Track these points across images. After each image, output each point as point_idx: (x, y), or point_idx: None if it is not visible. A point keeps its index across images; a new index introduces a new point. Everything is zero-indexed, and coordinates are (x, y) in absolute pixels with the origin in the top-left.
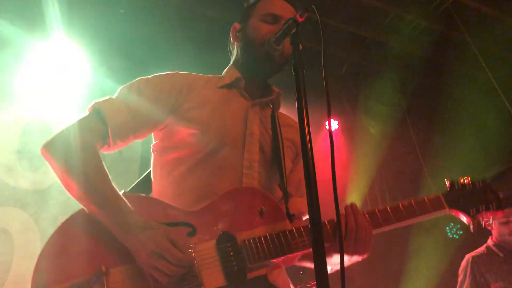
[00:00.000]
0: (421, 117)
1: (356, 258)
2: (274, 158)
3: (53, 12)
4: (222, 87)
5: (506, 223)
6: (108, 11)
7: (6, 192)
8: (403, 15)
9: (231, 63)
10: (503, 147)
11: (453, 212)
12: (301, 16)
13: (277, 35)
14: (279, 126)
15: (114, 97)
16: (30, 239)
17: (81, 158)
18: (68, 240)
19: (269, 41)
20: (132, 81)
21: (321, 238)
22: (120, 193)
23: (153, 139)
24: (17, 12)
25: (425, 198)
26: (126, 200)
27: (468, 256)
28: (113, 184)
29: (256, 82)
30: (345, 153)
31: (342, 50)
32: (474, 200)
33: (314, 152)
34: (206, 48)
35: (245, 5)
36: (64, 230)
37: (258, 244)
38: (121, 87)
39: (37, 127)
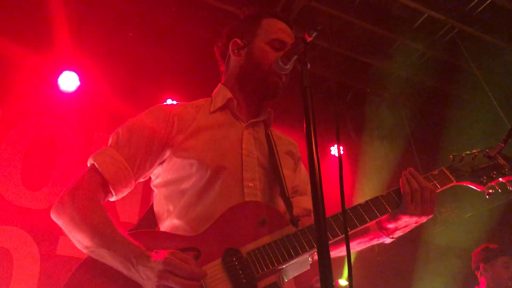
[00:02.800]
0: (426, 145)
1: (424, 219)
2: (273, 172)
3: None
4: (214, 111)
5: (506, 268)
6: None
7: (8, 211)
8: (408, 44)
9: (222, 82)
10: None
11: (463, 184)
12: (309, 35)
13: (285, 53)
14: (274, 141)
15: (108, 145)
16: (30, 259)
17: (84, 210)
18: (83, 282)
19: (277, 60)
20: (122, 125)
21: (328, 257)
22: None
23: (151, 177)
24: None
25: (429, 174)
26: (130, 238)
27: None
28: (116, 225)
29: (251, 101)
30: (350, 179)
31: (348, 77)
32: (484, 167)
33: None
34: (215, 73)
35: (243, 18)
36: (78, 276)
37: (263, 252)
38: (112, 133)
39: (41, 145)
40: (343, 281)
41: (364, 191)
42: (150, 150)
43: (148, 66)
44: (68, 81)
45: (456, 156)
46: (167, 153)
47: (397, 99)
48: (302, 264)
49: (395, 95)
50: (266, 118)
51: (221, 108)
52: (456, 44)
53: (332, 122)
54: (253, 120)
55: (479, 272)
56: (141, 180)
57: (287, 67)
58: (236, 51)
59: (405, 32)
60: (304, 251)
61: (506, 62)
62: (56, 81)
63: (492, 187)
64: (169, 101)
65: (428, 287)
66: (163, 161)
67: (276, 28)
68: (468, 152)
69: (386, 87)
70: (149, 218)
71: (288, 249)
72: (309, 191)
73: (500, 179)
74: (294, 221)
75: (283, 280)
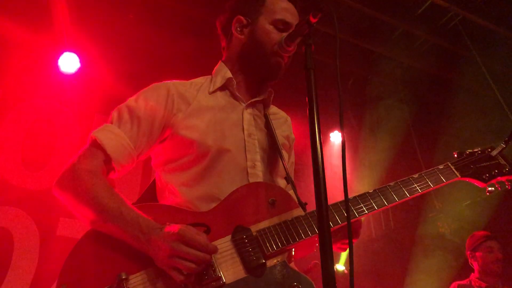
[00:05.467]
0: (426, 132)
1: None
2: (273, 154)
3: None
4: (214, 91)
5: (490, 252)
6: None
7: (8, 192)
8: (411, 31)
9: (223, 59)
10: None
11: (466, 179)
12: (314, 16)
13: (289, 34)
14: (271, 121)
15: (108, 122)
16: (30, 239)
17: (89, 184)
18: (86, 255)
19: (280, 42)
20: (122, 104)
21: (330, 236)
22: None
23: (152, 156)
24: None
25: (435, 169)
26: (139, 210)
27: (454, 284)
28: (123, 198)
29: (252, 81)
30: (349, 166)
31: (349, 63)
32: (486, 166)
33: None
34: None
35: None
36: (81, 247)
37: (274, 232)
38: (113, 110)
39: (41, 128)
40: (340, 266)
41: (364, 178)
42: (151, 128)
43: (149, 48)
44: (69, 62)
45: (460, 153)
46: (168, 131)
47: (398, 86)
48: (309, 246)
49: (397, 81)
50: (266, 97)
51: (221, 88)
52: (459, 31)
53: (332, 109)
54: (252, 100)
55: (470, 259)
56: (141, 158)
57: (290, 48)
58: (239, 29)
59: (408, 19)
60: (313, 233)
61: (508, 50)
62: (57, 62)
63: (492, 185)
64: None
65: (424, 271)
66: (164, 140)
67: (281, 8)
68: (471, 150)
69: (388, 74)
70: (150, 196)
71: (298, 231)
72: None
73: (500, 178)
74: (302, 204)
75: (290, 259)
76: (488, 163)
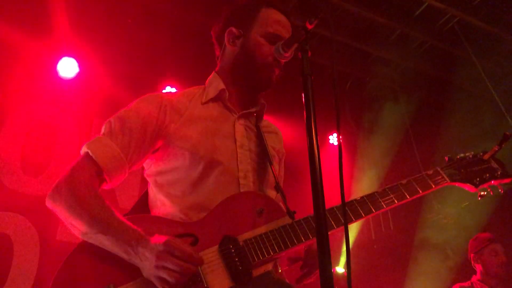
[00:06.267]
0: (425, 134)
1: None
2: (264, 165)
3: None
4: (206, 102)
5: (495, 255)
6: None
7: (8, 197)
8: (408, 33)
9: (216, 71)
10: (509, 167)
11: (456, 184)
12: (310, 23)
13: (286, 40)
14: (263, 133)
15: (101, 134)
16: (30, 245)
17: (81, 196)
18: (76, 267)
19: (277, 48)
20: (113, 115)
21: (327, 243)
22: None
23: (144, 166)
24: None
25: (424, 174)
26: (128, 222)
27: (456, 286)
28: (114, 210)
29: (244, 92)
30: (347, 168)
31: (347, 65)
32: (477, 170)
33: None
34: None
35: (241, 5)
36: (72, 259)
37: (260, 241)
38: (105, 123)
39: (40, 133)
40: (340, 269)
41: (362, 180)
42: (143, 139)
43: (148, 52)
44: (67, 67)
45: (451, 157)
46: (160, 142)
47: (396, 88)
48: (296, 254)
49: (394, 83)
50: (258, 110)
51: (213, 99)
52: (456, 33)
53: (331, 111)
54: (245, 111)
55: (473, 261)
56: (133, 168)
57: (287, 54)
58: (231, 40)
59: (405, 21)
60: (299, 241)
61: (506, 52)
62: (55, 67)
63: (485, 189)
64: (168, 88)
65: (424, 273)
66: (156, 150)
67: (274, 20)
68: (463, 154)
69: (386, 75)
70: (142, 206)
71: (285, 239)
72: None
73: (492, 182)
74: (291, 213)
75: (277, 269)
76: (480, 167)
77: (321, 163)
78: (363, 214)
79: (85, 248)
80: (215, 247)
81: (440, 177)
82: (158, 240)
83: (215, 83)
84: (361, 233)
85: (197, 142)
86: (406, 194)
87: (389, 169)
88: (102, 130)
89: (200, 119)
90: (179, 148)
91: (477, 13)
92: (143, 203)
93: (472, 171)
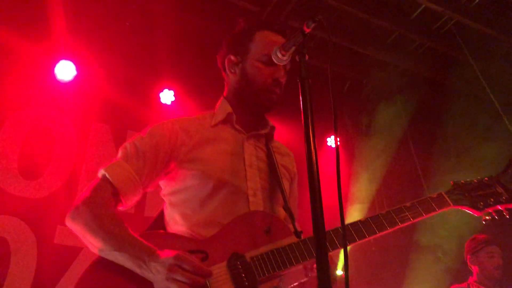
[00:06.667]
0: (422, 136)
1: None
2: (273, 184)
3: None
4: (216, 125)
5: (491, 257)
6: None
7: (5, 201)
8: (405, 34)
9: (224, 95)
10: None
11: (459, 208)
12: (308, 26)
13: (283, 44)
14: (274, 153)
15: (117, 158)
16: (27, 248)
17: (97, 216)
18: (93, 281)
19: (275, 52)
20: (129, 140)
21: (325, 244)
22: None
23: (161, 186)
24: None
25: (428, 197)
26: (141, 239)
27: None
28: (128, 228)
29: (250, 114)
30: (345, 170)
31: (345, 67)
32: (482, 194)
33: None
34: (211, 62)
35: (237, 32)
36: (89, 274)
37: (266, 258)
38: (121, 147)
39: (38, 136)
40: (338, 271)
41: (360, 182)
42: (155, 162)
43: (146, 55)
44: (65, 70)
45: (456, 182)
46: (172, 164)
47: (394, 90)
48: (301, 273)
49: (392, 85)
50: (267, 131)
51: (222, 122)
52: (453, 35)
53: (329, 113)
54: (254, 132)
55: (469, 263)
56: (148, 189)
57: (285, 58)
58: (231, 68)
59: (403, 23)
60: (304, 259)
61: (503, 54)
62: (53, 70)
63: (489, 214)
64: (165, 91)
65: (421, 274)
66: (169, 172)
67: (268, 42)
68: (468, 180)
69: (383, 77)
70: (159, 223)
71: (289, 257)
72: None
73: (499, 206)
74: (297, 232)
75: (283, 286)
76: (485, 191)
77: (319, 165)
78: (366, 235)
79: (102, 263)
80: (224, 263)
81: (443, 200)
82: (168, 254)
83: (223, 107)
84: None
85: (207, 163)
86: (410, 216)
87: (387, 171)
88: (118, 155)
89: (209, 141)
90: (189, 169)
91: (474, 15)
92: (159, 221)
93: (476, 196)
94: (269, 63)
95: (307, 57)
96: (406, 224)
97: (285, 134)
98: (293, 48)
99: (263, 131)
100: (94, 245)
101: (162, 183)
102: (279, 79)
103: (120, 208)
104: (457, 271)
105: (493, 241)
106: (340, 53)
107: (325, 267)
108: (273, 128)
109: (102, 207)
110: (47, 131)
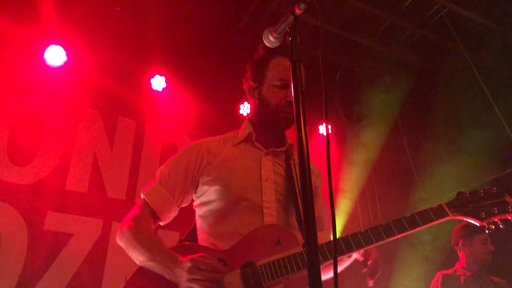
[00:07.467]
0: (413, 124)
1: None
2: (289, 197)
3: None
4: (238, 143)
5: (484, 244)
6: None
7: None
8: (398, 23)
9: (248, 117)
10: (495, 156)
11: (459, 217)
12: (299, 8)
13: (275, 27)
14: (295, 169)
15: (156, 180)
16: (17, 235)
17: (137, 233)
18: (137, 285)
19: (266, 34)
20: (165, 163)
21: (316, 246)
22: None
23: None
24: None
25: (428, 209)
26: (169, 250)
27: (439, 273)
28: (161, 240)
29: (269, 132)
30: (337, 158)
31: (337, 55)
32: (486, 204)
33: None
34: (202, 48)
35: (255, 58)
36: (133, 281)
37: (272, 265)
38: (157, 171)
39: (28, 122)
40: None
41: (351, 171)
42: (185, 182)
43: (136, 40)
44: (55, 55)
45: (460, 192)
46: (199, 182)
47: (385, 78)
48: (305, 280)
49: (384, 74)
50: (287, 148)
51: (244, 141)
52: (445, 24)
53: (321, 101)
54: (272, 149)
55: (458, 248)
56: (182, 206)
57: (275, 40)
58: (251, 92)
59: (395, 12)
60: (305, 267)
61: (494, 43)
62: (43, 55)
63: (494, 223)
64: (156, 76)
65: (410, 262)
66: (197, 188)
67: (283, 68)
68: (474, 190)
69: (376, 66)
70: (192, 233)
71: (292, 264)
72: (323, 227)
73: (503, 215)
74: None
75: None
76: (490, 201)
77: (311, 153)
78: (364, 245)
79: (142, 271)
80: (238, 270)
81: (443, 211)
82: (186, 259)
83: (245, 128)
84: (348, 222)
85: (227, 179)
86: (407, 226)
87: (378, 157)
88: (156, 176)
89: (231, 159)
90: (212, 185)
91: (466, 4)
92: (193, 232)
93: (480, 205)
94: (283, 86)
95: (298, 38)
96: (404, 234)
97: None
98: (285, 30)
99: (281, 149)
100: (136, 258)
101: (193, 197)
102: (292, 100)
103: (160, 223)
104: (446, 258)
105: (483, 229)
106: (332, 41)
107: (316, 266)
108: (291, 145)
109: (141, 226)
110: (37, 117)
